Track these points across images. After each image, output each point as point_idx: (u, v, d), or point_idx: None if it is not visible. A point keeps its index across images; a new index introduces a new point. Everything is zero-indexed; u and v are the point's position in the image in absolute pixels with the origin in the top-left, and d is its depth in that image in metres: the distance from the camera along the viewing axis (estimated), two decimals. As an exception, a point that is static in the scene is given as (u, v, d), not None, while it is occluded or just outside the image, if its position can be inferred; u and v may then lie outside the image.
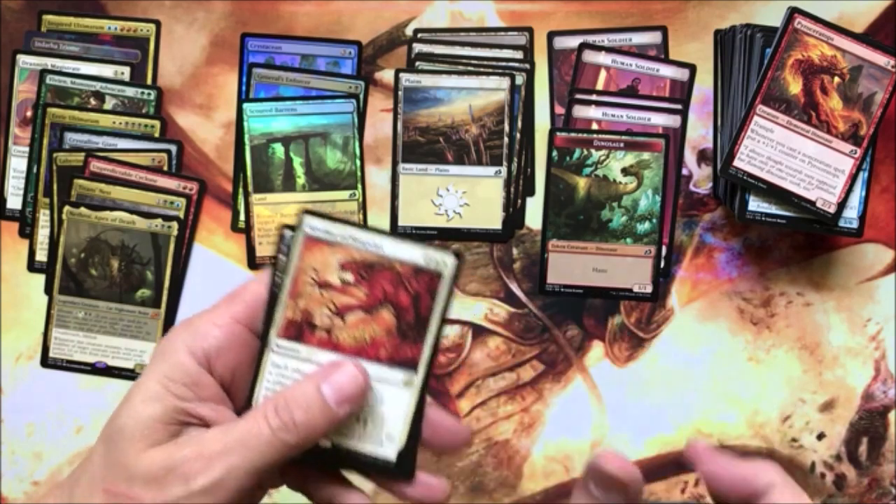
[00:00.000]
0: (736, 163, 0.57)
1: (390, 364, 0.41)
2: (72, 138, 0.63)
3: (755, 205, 0.57)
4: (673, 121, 0.63)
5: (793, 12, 0.57)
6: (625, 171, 0.62)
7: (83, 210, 0.61)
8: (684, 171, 0.63)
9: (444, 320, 0.40)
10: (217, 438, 0.37)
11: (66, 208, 0.61)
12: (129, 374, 0.62)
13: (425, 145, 0.63)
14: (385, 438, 0.42)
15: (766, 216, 0.57)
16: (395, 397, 0.41)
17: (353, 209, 0.64)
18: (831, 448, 0.62)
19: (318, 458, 0.41)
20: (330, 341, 0.41)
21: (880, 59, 0.56)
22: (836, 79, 0.56)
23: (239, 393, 0.40)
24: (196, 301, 0.63)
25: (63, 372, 0.62)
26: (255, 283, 0.41)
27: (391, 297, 0.41)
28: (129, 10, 0.65)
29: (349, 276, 0.41)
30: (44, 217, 0.63)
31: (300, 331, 0.41)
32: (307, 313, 0.41)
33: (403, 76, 0.63)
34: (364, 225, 0.43)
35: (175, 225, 0.62)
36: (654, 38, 0.64)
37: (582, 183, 0.63)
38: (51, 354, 0.62)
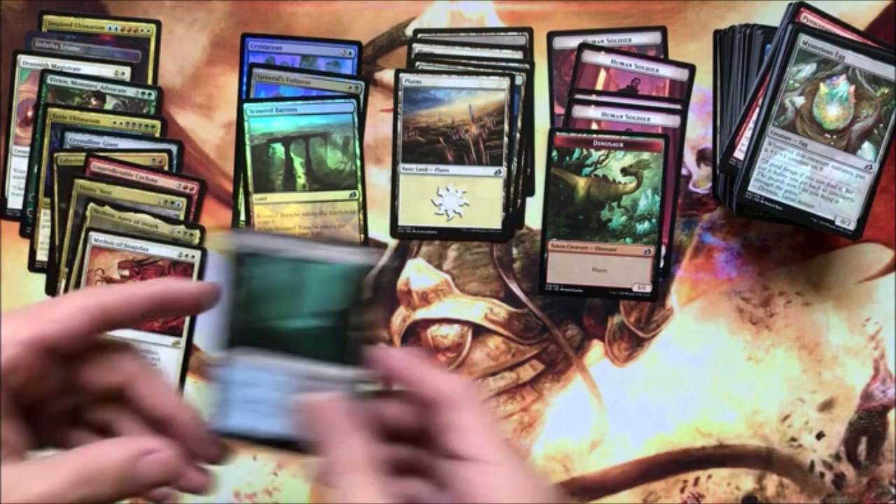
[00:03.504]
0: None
1: (162, 332, 0.61)
2: (72, 138, 0.63)
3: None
4: (672, 121, 0.63)
5: (799, 6, 0.57)
6: (624, 171, 0.62)
7: (107, 209, 0.62)
8: (684, 171, 0.64)
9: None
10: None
11: (91, 205, 0.62)
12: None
13: (425, 145, 0.64)
14: None
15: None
16: (168, 356, 0.60)
17: (354, 209, 0.64)
18: (830, 447, 0.62)
19: None
20: None
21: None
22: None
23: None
24: (196, 301, 0.63)
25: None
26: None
27: None
28: (129, 10, 0.65)
29: (126, 272, 0.59)
30: (44, 217, 0.63)
31: None
32: None
33: (403, 76, 0.63)
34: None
35: (197, 233, 0.62)
36: (653, 38, 0.64)
37: (581, 183, 0.63)
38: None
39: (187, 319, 0.62)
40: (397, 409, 0.43)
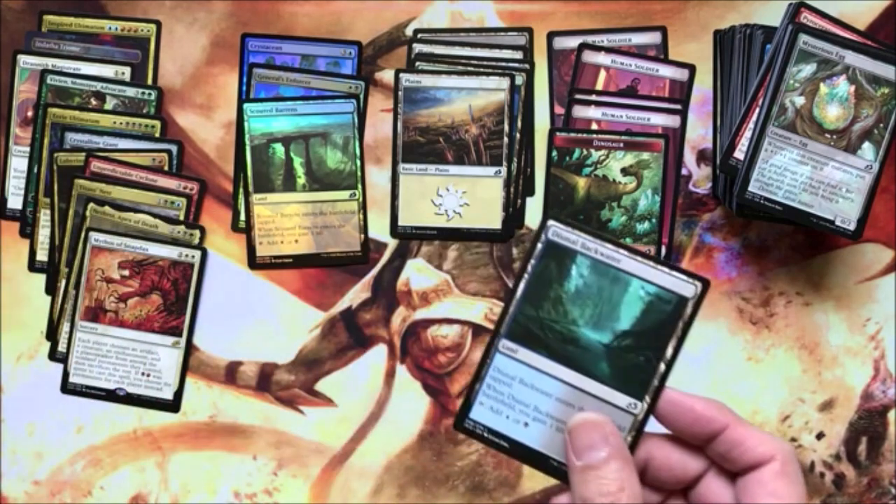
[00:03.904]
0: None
1: (162, 332, 0.61)
2: (72, 138, 0.63)
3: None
4: (672, 121, 0.63)
5: (799, 6, 0.57)
6: (624, 171, 0.62)
7: (107, 209, 0.62)
8: (684, 171, 0.64)
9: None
10: None
11: (91, 205, 0.62)
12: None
13: (425, 145, 0.63)
14: (164, 385, 0.60)
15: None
16: (168, 356, 0.60)
17: (354, 209, 0.64)
18: (830, 447, 0.62)
19: (115, 401, 0.59)
20: (118, 320, 0.60)
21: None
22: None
23: None
24: (196, 301, 0.63)
25: (59, 364, 0.63)
26: None
27: (157, 284, 0.60)
28: (129, 10, 0.65)
29: (126, 272, 0.60)
30: (44, 217, 0.63)
31: (95, 314, 0.61)
32: (99, 301, 0.60)
33: (403, 76, 0.63)
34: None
35: (197, 233, 0.62)
36: (653, 38, 0.64)
37: (581, 183, 0.63)
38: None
39: (187, 319, 0.62)
40: (667, 452, 0.42)
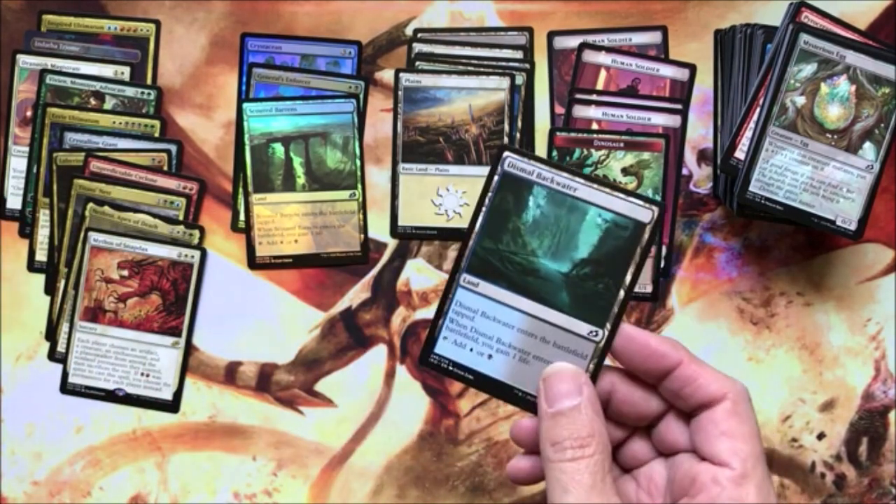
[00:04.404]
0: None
1: (161, 332, 0.60)
2: (72, 138, 0.63)
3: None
4: (673, 121, 0.63)
5: (800, 6, 0.57)
6: (625, 171, 0.62)
7: (107, 209, 0.62)
8: (684, 171, 0.63)
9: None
10: None
11: (90, 205, 0.61)
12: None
13: (425, 145, 0.63)
14: (163, 385, 0.60)
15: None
16: (167, 356, 0.60)
17: (353, 209, 0.64)
18: (831, 448, 0.62)
19: (115, 401, 0.59)
20: (117, 320, 0.60)
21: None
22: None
23: None
24: (196, 301, 0.63)
25: (59, 364, 0.63)
26: None
27: (157, 284, 0.60)
28: (129, 10, 0.65)
29: (125, 272, 0.59)
30: (44, 217, 0.63)
31: (95, 314, 0.60)
32: (98, 301, 0.60)
33: (403, 76, 0.63)
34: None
35: (197, 234, 0.62)
36: (654, 37, 0.64)
37: (582, 183, 0.62)
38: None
39: (186, 319, 0.62)
40: (629, 387, 0.42)
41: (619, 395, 0.43)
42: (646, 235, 0.39)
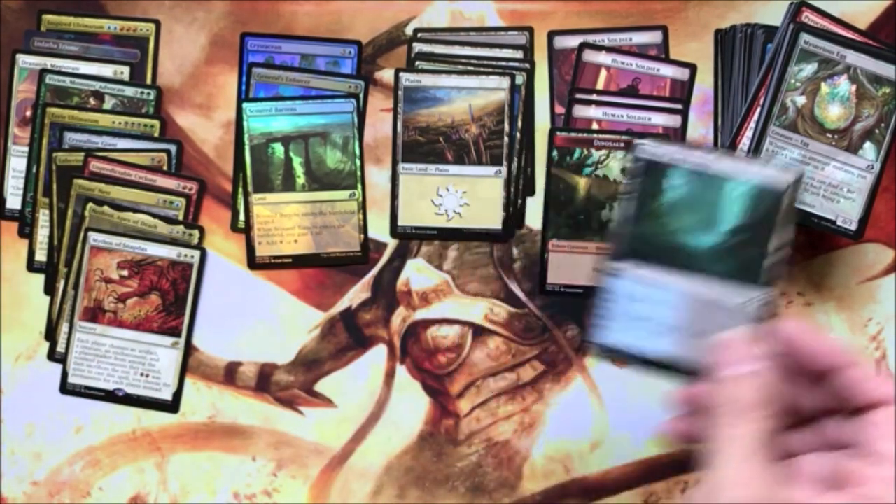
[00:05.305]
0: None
1: (161, 332, 0.60)
2: (71, 138, 0.63)
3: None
4: (673, 120, 0.63)
5: (800, 6, 0.57)
6: (625, 171, 0.62)
7: (106, 209, 0.62)
8: (684, 171, 0.63)
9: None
10: None
11: (90, 205, 0.61)
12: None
13: (425, 145, 0.63)
14: (163, 386, 0.60)
15: None
16: (167, 356, 0.60)
17: (353, 209, 0.64)
18: (832, 448, 0.62)
19: (114, 401, 0.60)
20: (116, 320, 0.60)
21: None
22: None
23: None
24: (196, 301, 0.63)
25: (58, 364, 0.62)
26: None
27: (156, 284, 0.60)
28: (128, 9, 0.65)
29: (125, 272, 0.59)
30: (43, 217, 0.63)
31: (94, 314, 0.61)
32: (98, 301, 0.60)
33: (403, 76, 0.63)
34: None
35: (196, 233, 0.62)
36: (654, 37, 0.64)
37: (582, 183, 0.62)
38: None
39: (186, 319, 0.62)
40: (785, 380, 0.42)
41: (794, 347, 0.43)
42: (786, 200, 0.41)
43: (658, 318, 0.42)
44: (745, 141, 0.57)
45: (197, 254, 0.62)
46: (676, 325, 0.41)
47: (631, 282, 0.42)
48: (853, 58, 0.55)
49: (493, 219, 0.63)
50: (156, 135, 0.64)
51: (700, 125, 0.64)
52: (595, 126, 0.63)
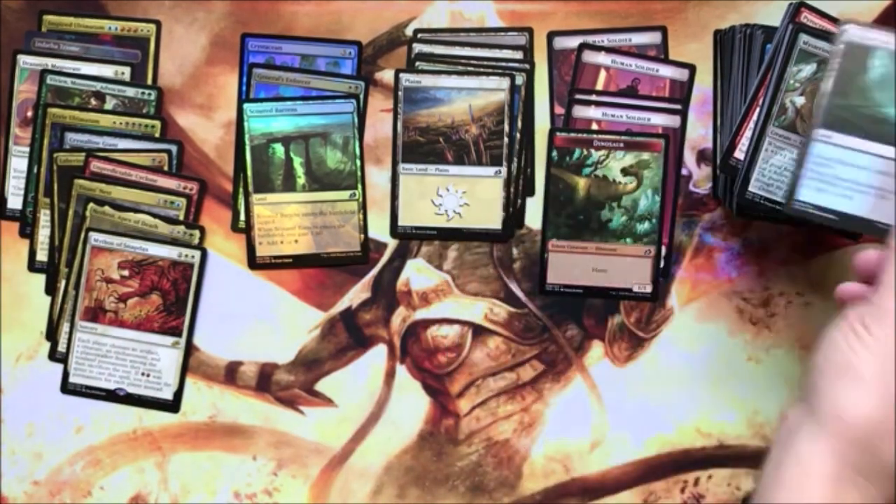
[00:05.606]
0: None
1: (162, 332, 0.61)
2: (72, 138, 0.63)
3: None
4: (672, 121, 0.63)
5: (799, 6, 0.57)
6: (624, 172, 0.62)
7: (107, 209, 0.62)
8: (684, 171, 0.63)
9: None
10: None
11: (91, 205, 0.62)
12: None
13: (425, 145, 0.63)
14: (164, 385, 0.61)
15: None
16: (168, 356, 0.61)
17: (354, 209, 0.64)
18: (831, 448, 0.62)
19: (115, 401, 0.61)
20: (117, 320, 0.61)
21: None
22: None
23: None
24: (196, 301, 0.63)
25: (59, 364, 0.63)
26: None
27: (157, 284, 0.61)
28: (129, 10, 0.65)
29: (126, 272, 0.60)
30: (44, 217, 0.63)
31: (95, 314, 0.61)
32: (99, 301, 0.61)
33: (403, 76, 0.63)
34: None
35: (197, 234, 0.62)
36: (653, 38, 0.64)
37: (582, 183, 0.63)
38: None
39: (187, 319, 0.62)
40: None
41: None
42: None
43: (853, 180, 0.47)
44: (744, 141, 0.57)
45: (197, 254, 0.62)
46: (873, 186, 0.47)
47: (832, 146, 0.48)
48: (852, 58, 0.55)
49: (492, 219, 0.63)
50: (156, 135, 0.64)
51: (699, 125, 0.64)
52: (594, 126, 0.63)
